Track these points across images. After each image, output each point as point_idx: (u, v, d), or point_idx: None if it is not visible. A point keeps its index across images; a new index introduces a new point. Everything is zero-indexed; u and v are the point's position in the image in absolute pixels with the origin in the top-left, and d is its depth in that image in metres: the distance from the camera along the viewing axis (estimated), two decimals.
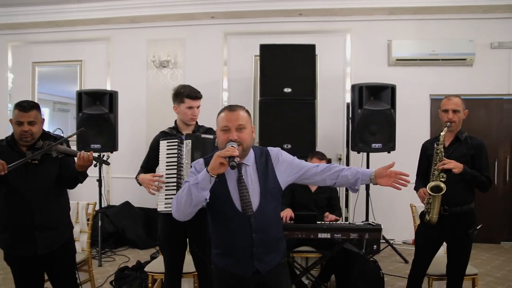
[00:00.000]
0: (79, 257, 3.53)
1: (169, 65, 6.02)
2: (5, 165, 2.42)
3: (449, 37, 5.58)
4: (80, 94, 4.98)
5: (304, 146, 4.48)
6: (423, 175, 3.20)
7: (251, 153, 2.10)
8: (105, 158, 2.73)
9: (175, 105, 2.99)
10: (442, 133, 3.00)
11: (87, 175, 2.78)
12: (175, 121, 3.07)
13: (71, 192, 6.04)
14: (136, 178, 2.95)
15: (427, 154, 3.18)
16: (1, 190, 2.61)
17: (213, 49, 5.98)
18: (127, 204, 5.77)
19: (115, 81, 6.13)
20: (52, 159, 2.63)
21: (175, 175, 2.79)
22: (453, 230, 2.99)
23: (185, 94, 2.93)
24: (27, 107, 2.62)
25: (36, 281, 2.74)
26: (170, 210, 2.70)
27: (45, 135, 2.75)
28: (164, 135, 2.98)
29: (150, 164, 2.99)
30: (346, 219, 5.74)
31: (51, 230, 2.67)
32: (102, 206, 5.80)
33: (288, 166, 2.14)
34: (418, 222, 3.49)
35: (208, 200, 1.96)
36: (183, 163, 2.78)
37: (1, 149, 2.65)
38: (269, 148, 2.17)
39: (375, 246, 5.21)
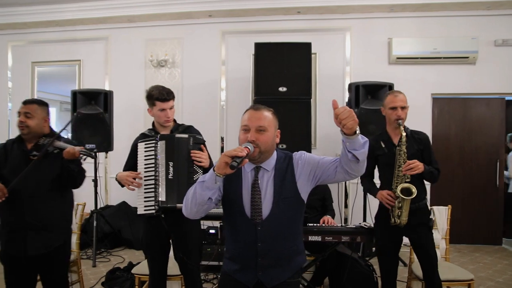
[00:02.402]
0: None
1: (167, 64, 5.99)
2: (5, 190, 2.50)
3: (451, 35, 5.46)
4: (75, 94, 4.96)
5: (300, 146, 4.38)
6: (370, 175, 3.19)
7: (273, 158, 1.99)
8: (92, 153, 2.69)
9: (149, 107, 2.90)
10: (403, 134, 2.91)
11: (80, 166, 2.71)
12: (153, 122, 2.98)
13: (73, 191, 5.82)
14: (115, 178, 2.90)
15: (374, 153, 3.06)
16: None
17: (211, 48, 5.93)
18: (123, 204, 5.74)
19: (113, 80, 6.13)
20: (53, 158, 2.62)
21: (153, 177, 2.73)
22: (414, 226, 2.96)
23: (155, 97, 2.82)
24: (27, 101, 2.73)
25: (27, 283, 2.68)
26: (150, 213, 2.71)
27: (50, 133, 2.76)
28: (143, 136, 2.90)
29: (131, 167, 2.89)
30: (346, 220, 5.66)
31: (43, 231, 2.62)
32: (100, 206, 5.82)
33: (309, 170, 1.96)
34: None
35: (213, 200, 1.87)
36: (158, 164, 2.73)
37: (9, 147, 2.74)
38: (295, 153, 2.02)
39: (374, 249, 5.16)
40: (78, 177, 2.75)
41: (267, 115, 1.94)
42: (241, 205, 1.93)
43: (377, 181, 3.22)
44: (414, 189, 2.86)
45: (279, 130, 2.03)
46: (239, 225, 1.95)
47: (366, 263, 3.82)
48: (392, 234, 3.02)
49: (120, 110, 5.91)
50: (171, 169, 2.69)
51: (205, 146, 2.84)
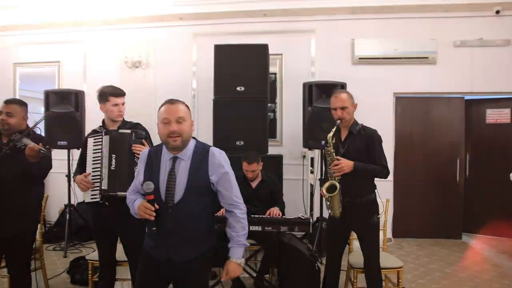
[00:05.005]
0: None
1: (141, 65, 6.23)
2: None
3: (411, 36, 5.64)
4: (47, 94, 5.23)
5: (256, 143, 4.61)
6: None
7: (190, 148, 2.20)
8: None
9: (101, 104, 3.13)
10: (330, 135, 3.08)
11: (42, 169, 3.00)
12: (103, 119, 3.22)
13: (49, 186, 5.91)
14: (73, 178, 3.18)
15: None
16: None
17: (182, 49, 6.15)
18: None
19: (90, 81, 6.36)
20: (21, 152, 2.87)
21: (99, 168, 3.00)
22: (356, 219, 3.12)
23: (109, 93, 3.08)
24: (9, 101, 3.07)
25: None
26: (95, 201, 2.97)
27: (24, 130, 3.03)
28: (93, 132, 3.16)
29: (84, 161, 3.14)
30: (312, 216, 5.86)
31: (8, 217, 2.91)
32: (78, 201, 6.08)
33: (217, 180, 2.20)
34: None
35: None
36: (102, 157, 3.00)
37: None
38: (214, 149, 2.24)
39: None
40: (38, 177, 3.07)
41: (183, 107, 2.18)
42: (157, 190, 2.18)
43: None
44: (337, 185, 3.02)
45: (192, 120, 2.26)
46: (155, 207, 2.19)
47: (311, 253, 4.04)
48: (339, 225, 3.20)
49: (97, 109, 6.15)
50: (113, 161, 2.96)
51: (147, 140, 3.08)
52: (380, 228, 3.69)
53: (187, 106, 2.24)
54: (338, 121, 3.08)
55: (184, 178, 2.16)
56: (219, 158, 2.21)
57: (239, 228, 2.23)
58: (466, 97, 5.79)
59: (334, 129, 3.09)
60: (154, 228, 2.14)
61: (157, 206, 2.13)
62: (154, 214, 2.11)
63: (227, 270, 2.21)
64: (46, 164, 3.04)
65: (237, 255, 2.21)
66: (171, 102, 2.18)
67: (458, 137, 5.80)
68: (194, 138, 2.29)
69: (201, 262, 2.25)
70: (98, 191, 2.97)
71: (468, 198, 5.84)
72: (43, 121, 5.17)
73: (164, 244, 2.18)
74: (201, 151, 2.22)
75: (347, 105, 3.09)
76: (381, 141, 3.14)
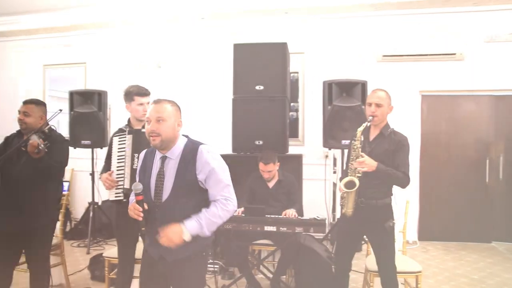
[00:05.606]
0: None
1: (165, 66, 6.30)
2: None
3: (438, 32, 5.44)
4: (71, 94, 5.36)
5: (276, 142, 4.54)
6: None
7: (179, 147, 2.20)
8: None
9: (126, 104, 3.18)
10: (360, 129, 2.96)
11: (46, 166, 3.00)
12: (129, 118, 3.26)
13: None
14: (99, 176, 3.24)
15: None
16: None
17: (204, 49, 6.16)
18: None
19: (115, 81, 6.47)
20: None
21: (123, 167, 3.04)
22: (369, 222, 3.00)
23: (134, 93, 3.13)
24: (26, 101, 3.19)
25: (10, 257, 3.06)
26: (119, 199, 3.02)
27: (39, 129, 3.12)
28: (119, 131, 3.20)
29: (109, 159, 3.19)
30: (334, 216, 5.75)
31: (25, 212, 3.00)
32: (104, 199, 6.21)
33: (204, 178, 2.17)
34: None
35: None
36: (126, 156, 3.04)
37: (10, 139, 3.22)
38: (203, 147, 2.20)
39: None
40: (45, 174, 3.08)
41: (167, 107, 2.17)
42: (148, 189, 2.20)
43: None
44: (357, 182, 2.92)
45: (181, 120, 2.25)
46: (148, 206, 2.20)
47: (328, 255, 3.95)
48: (350, 225, 3.09)
49: (121, 109, 6.26)
50: (135, 160, 2.98)
51: None
52: (399, 230, 3.61)
53: (176, 105, 2.23)
54: (370, 118, 2.95)
55: (172, 177, 2.17)
56: (207, 156, 2.17)
57: (210, 212, 2.14)
58: (497, 94, 5.51)
59: (364, 125, 2.97)
60: (143, 228, 2.15)
61: (146, 207, 2.14)
62: (141, 214, 2.11)
63: (168, 227, 2.07)
64: (53, 160, 3.03)
65: (188, 225, 2.08)
66: (155, 101, 2.20)
67: (487, 137, 5.55)
68: (186, 136, 2.28)
69: (195, 261, 2.24)
70: (122, 190, 3.02)
71: (501, 201, 5.56)
72: (68, 120, 5.38)
73: (156, 243, 2.17)
74: (190, 150, 2.20)
75: (383, 103, 2.95)
76: (409, 149, 3.00)
